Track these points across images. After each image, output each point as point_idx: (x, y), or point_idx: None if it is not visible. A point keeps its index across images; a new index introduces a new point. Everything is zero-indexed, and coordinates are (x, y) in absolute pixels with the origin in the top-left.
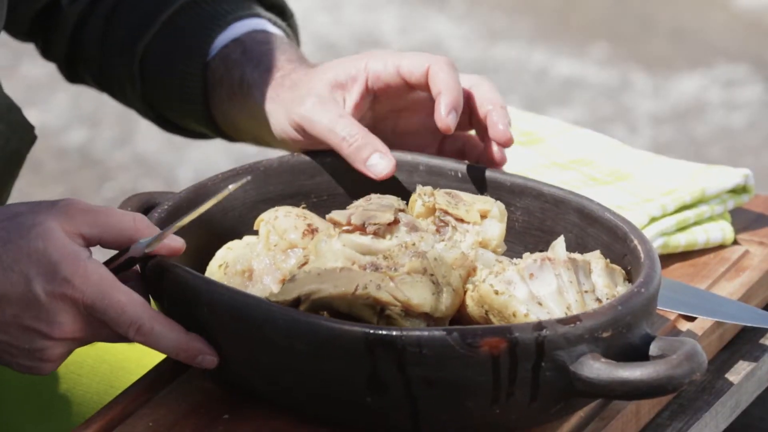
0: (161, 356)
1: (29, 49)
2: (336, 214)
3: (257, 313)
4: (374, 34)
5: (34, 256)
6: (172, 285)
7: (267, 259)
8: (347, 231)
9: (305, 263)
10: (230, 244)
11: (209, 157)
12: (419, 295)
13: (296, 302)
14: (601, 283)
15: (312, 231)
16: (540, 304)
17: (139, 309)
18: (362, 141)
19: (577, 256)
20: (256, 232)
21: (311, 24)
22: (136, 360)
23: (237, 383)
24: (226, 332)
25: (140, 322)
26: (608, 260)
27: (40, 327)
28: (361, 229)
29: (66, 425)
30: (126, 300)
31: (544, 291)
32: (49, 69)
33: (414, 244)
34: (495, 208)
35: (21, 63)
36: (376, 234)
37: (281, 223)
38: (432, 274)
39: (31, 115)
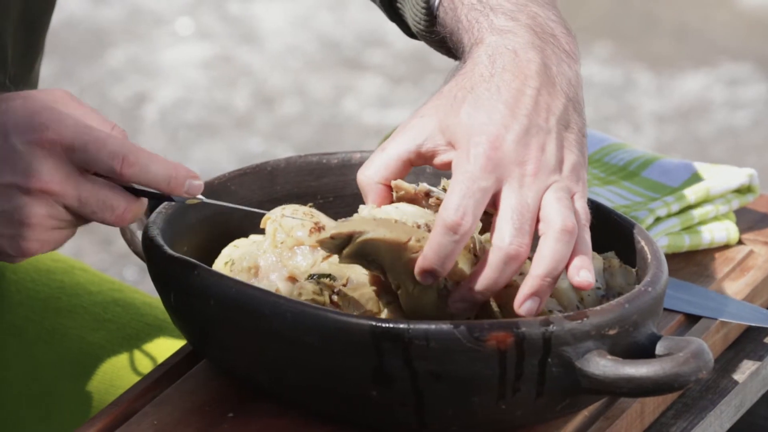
0: (164, 354)
1: None
2: (401, 182)
3: (264, 306)
4: (378, 33)
5: (11, 111)
6: (179, 278)
7: (273, 256)
8: (406, 198)
9: (328, 256)
10: (236, 242)
11: (213, 157)
12: (464, 265)
13: (347, 240)
14: (613, 282)
15: (319, 229)
16: (551, 296)
17: (119, 141)
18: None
19: (593, 253)
20: (262, 231)
21: (315, 23)
22: (138, 359)
23: (243, 378)
24: (233, 326)
25: (124, 152)
26: (621, 261)
27: (16, 180)
28: (424, 197)
29: (69, 424)
30: (105, 135)
31: (556, 284)
32: (52, 69)
33: None
34: None
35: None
36: (430, 206)
37: (288, 220)
38: (476, 255)
39: None
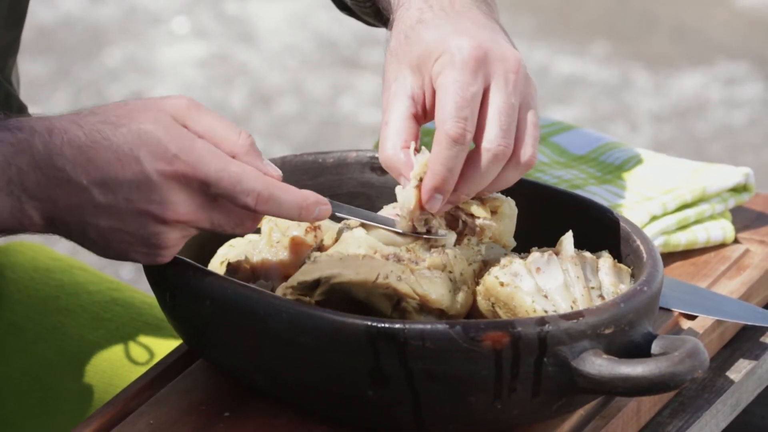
0: (162, 353)
1: (29, 46)
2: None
3: (260, 307)
4: (375, 32)
5: (143, 137)
6: (175, 279)
7: (269, 255)
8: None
9: (320, 248)
10: (232, 241)
11: None
12: (437, 291)
13: (315, 284)
14: (608, 281)
15: (314, 228)
16: (546, 297)
17: (254, 178)
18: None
19: (585, 253)
20: (258, 230)
21: (312, 21)
22: (137, 357)
23: (239, 378)
24: (229, 326)
25: (258, 189)
26: (615, 260)
27: (152, 209)
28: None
29: (67, 422)
30: (239, 170)
31: (550, 285)
32: (50, 68)
33: (436, 241)
34: (506, 204)
35: (22, 61)
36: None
37: (284, 220)
38: (451, 272)
39: (32, 113)
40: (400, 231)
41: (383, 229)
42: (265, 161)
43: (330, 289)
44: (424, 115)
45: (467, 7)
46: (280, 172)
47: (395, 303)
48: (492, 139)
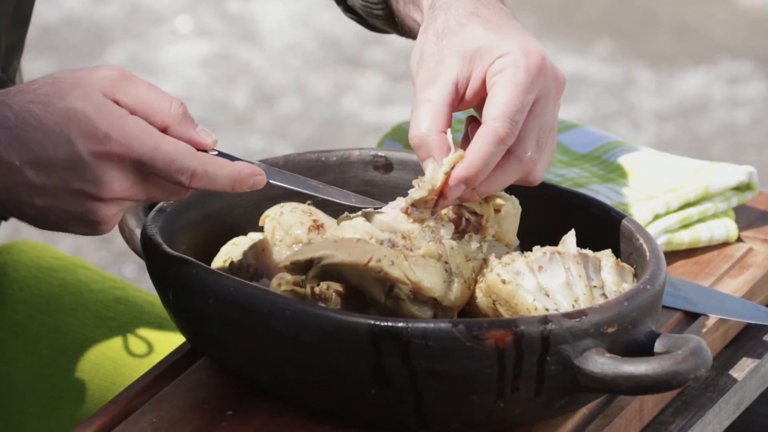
0: (165, 352)
1: (32, 45)
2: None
3: (263, 305)
4: None
5: (73, 117)
6: (178, 277)
7: (272, 254)
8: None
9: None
10: (235, 240)
11: None
12: (431, 279)
13: (308, 264)
14: (610, 281)
15: (318, 227)
16: (547, 295)
17: (188, 155)
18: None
19: (588, 252)
20: (260, 229)
21: (315, 20)
22: (139, 356)
23: (242, 376)
24: (232, 324)
25: (192, 168)
26: (618, 258)
27: (86, 188)
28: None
29: (69, 421)
30: (173, 149)
31: (552, 283)
32: (52, 67)
33: (433, 231)
34: (509, 203)
35: (24, 60)
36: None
37: (287, 218)
38: (446, 262)
39: None
40: (348, 203)
41: (337, 201)
42: (198, 128)
43: (322, 271)
44: (455, 104)
45: (510, 17)
46: (214, 138)
47: (388, 289)
48: (526, 151)
